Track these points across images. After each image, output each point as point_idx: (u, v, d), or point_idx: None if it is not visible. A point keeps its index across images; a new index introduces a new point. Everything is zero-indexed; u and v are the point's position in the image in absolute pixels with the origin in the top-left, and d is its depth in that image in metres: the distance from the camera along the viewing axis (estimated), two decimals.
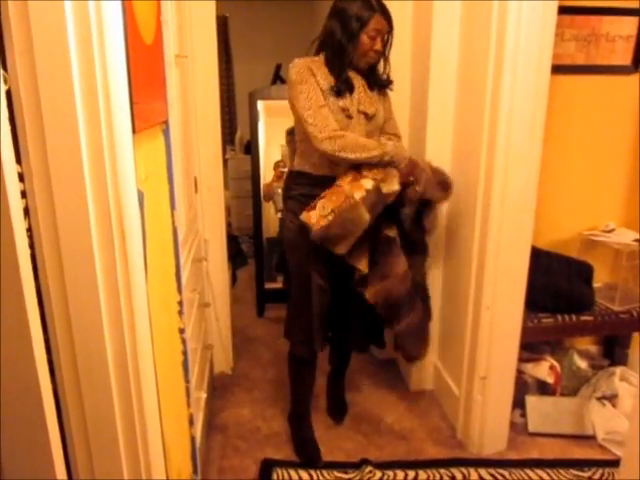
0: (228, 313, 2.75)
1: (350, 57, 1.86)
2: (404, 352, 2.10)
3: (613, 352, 2.58)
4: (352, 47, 1.84)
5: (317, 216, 1.81)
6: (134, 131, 0.99)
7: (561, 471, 2.06)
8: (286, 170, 3.65)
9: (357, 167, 1.87)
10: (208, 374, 2.39)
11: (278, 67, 4.54)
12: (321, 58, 1.91)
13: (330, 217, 1.79)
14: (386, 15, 1.83)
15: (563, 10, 1.89)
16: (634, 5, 2.25)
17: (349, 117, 1.89)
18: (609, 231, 2.44)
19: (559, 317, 2.26)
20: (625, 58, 2.31)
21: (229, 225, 3.90)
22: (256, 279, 3.48)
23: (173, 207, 1.50)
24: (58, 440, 0.91)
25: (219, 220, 2.59)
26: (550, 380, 2.36)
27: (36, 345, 0.83)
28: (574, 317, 2.28)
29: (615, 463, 2.03)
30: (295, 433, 2.25)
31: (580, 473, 2.05)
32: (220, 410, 2.44)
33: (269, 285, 3.57)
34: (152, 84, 1.24)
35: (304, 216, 1.83)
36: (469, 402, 2.16)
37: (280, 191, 3.65)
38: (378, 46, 1.85)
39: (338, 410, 2.41)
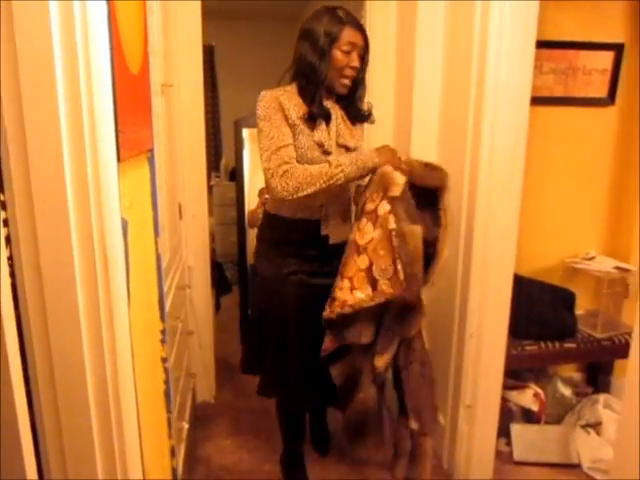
0: (212, 341, 2.72)
1: (324, 79, 1.68)
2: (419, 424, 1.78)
3: (596, 379, 2.59)
4: (325, 66, 1.66)
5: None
6: (119, 160, 0.99)
7: None
8: None
9: (358, 217, 1.66)
10: (190, 403, 2.34)
11: None
12: (294, 87, 1.75)
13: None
14: (358, 27, 1.68)
15: (541, 44, 1.95)
16: (609, 40, 2.32)
17: (326, 153, 1.71)
18: (589, 259, 2.47)
19: (542, 344, 2.28)
20: (601, 90, 2.38)
21: (213, 252, 3.88)
22: (240, 306, 3.45)
23: (157, 234, 1.50)
24: (34, 473, 0.88)
25: (203, 247, 2.58)
26: (535, 408, 2.36)
27: (14, 375, 0.81)
28: (557, 344, 2.29)
29: None
30: (288, 475, 2.14)
31: None
32: (203, 441, 2.39)
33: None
34: (138, 113, 1.25)
35: (325, 314, 1.61)
36: (454, 431, 2.14)
37: None
38: (354, 62, 1.68)
39: (322, 443, 2.36)
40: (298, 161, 1.67)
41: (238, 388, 2.86)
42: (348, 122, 1.80)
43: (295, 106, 1.69)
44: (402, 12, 2.32)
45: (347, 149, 1.76)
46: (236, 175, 3.41)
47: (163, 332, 1.55)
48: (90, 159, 0.87)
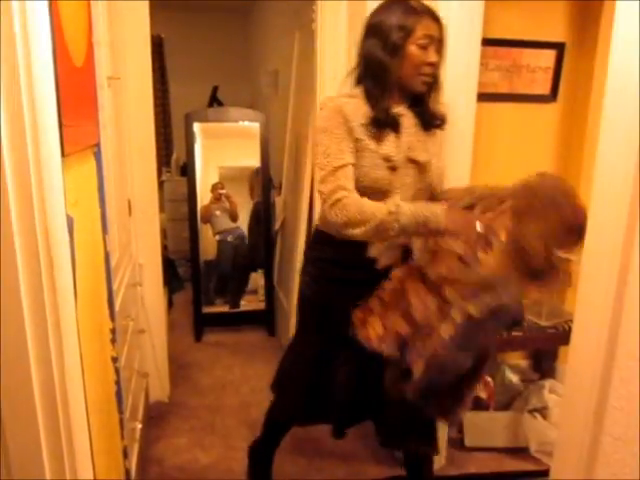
0: (164, 339, 2.67)
1: (395, 80, 1.47)
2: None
3: (542, 366, 2.69)
4: (398, 65, 1.45)
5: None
6: (63, 154, 0.96)
7: None
8: (224, 192, 3.63)
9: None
10: (143, 403, 2.30)
11: (215, 89, 4.54)
12: (360, 92, 1.52)
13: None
14: (435, 18, 1.45)
15: (487, 42, 2.00)
16: (552, 39, 2.41)
17: (393, 169, 1.49)
18: None
19: None
20: (545, 87, 2.47)
21: (165, 248, 3.82)
22: (194, 303, 3.41)
23: (105, 231, 1.46)
24: None
25: (154, 243, 2.53)
26: (484, 395, 2.43)
27: None
28: (505, 333, 2.36)
29: (547, 473, 2.10)
30: (254, 469, 2.05)
31: None
32: (156, 440, 2.35)
33: (207, 309, 3.52)
34: (83, 106, 1.22)
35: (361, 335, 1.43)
36: None
37: (218, 213, 3.65)
38: (432, 57, 1.44)
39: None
40: (360, 181, 1.47)
41: (192, 386, 2.83)
42: (421, 131, 1.55)
43: (362, 117, 1.47)
44: (352, 12, 2.33)
45: (417, 164, 1.52)
46: (187, 170, 3.36)
47: (113, 331, 1.52)
48: (32, 154, 0.84)
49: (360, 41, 1.54)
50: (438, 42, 1.46)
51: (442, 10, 1.77)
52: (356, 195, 1.44)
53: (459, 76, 1.85)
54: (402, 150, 1.50)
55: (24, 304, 0.86)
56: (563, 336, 2.43)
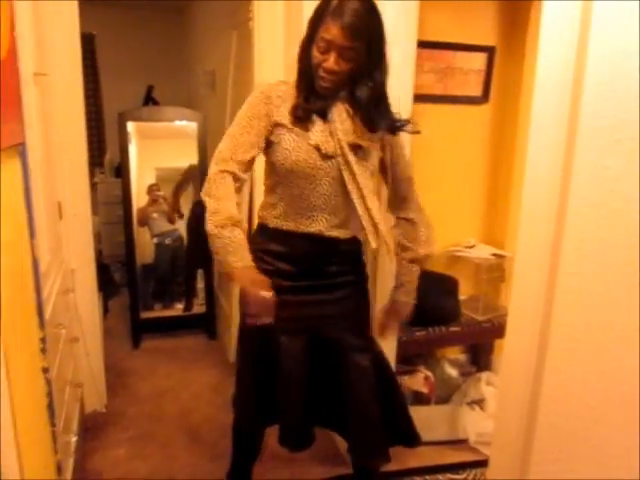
0: (100, 347, 2.57)
1: (308, 76, 1.44)
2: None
3: (479, 359, 2.78)
4: (306, 62, 1.43)
5: None
6: None
7: (439, 476, 2.17)
8: (161, 194, 3.54)
9: None
10: (78, 414, 2.20)
11: (150, 88, 4.41)
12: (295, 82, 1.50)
13: None
14: (339, 21, 1.32)
15: (422, 44, 2.05)
16: (482, 43, 2.50)
17: (327, 157, 1.44)
18: (470, 247, 2.65)
19: (430, 330, 2.40)
20: (477, 89, 2.55)
21: (99, 253, 3.67)
22: (130, 309, 3.30)
23: (32, 235, 1.39)
24: None
25: (87, 248, 2.43)
26: (425, 390, 2.48)
27: None
28: (443, 329, 2.43)
29: (486, 463, 2.17)
30: None
31: (455, 476, 2.18)
32: (93, 452, 2.25)
33: (145, 314, 3.41)
34: (4, 103, 1.15)
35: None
36: None
37: (155, 215, 3.54)
38: (329, 63, 1.37)
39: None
40: (281, 162, 1.45)
41: (130, 395, 2.73)
42: (357, 119, 1.46)
43: (289, 102, 1.47)
44: (288, 10, 2.33)
45: (360, 148, 1.46)
46: (122, 171, 3.25)
47: (43, 340, 1.44)
48: None
49: None
50: (341, 48, 1.35)
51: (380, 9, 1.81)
52: (229, 180, 1.44)
53: (395, 77, 1.88)
54: (337, 135, 1.44)
55: None
56: (499, 330, 2.52)
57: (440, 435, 2.38)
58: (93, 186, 3.19)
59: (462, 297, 2.62)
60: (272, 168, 1.52)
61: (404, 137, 1.62)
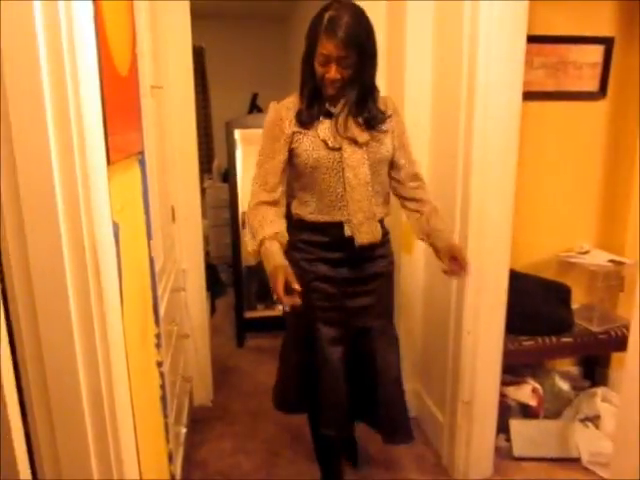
0: (207, 344, 2.70)
1: (311, 88, 1.62)
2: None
3: (594, 373, 2.59)
4: (309, 77, 1.61)
5: None
6: (109, 162, 0.98)
7: None
8: None
9: None
10: (187, 407, 2.33)
11: (254, 96, 4.59)
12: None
13: None
14: (332, 36, 1.50)
15: (531, 39, 1.95)
16: (599, 34, 2.33)
17: (333, 149, 1.61)
18: (584, 253, 2.48)
19: (539, 339, 2.27)
20: (592, 84, 2.38)
21: (207, 254, 3.87)
22: (235, 308, 3.44)
23: (150, 237, 1.48)
24: None
25: (197, 249, 2.56)
26: (533, 403, 2.36)
27: (7, 385, 0.80)
28: (554, 339, 2.29)
29: None
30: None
31: None
32: (200, 445, 2.37)
33: (249, 314, 3.53)
34: (127, 115, 1.24)
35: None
36: (453, 428, 2.14)
37: None
38: (330, 74, 1.54)
39: (351, 452, 2.23)
40: (304, 163, 1.63)
41: (235, 391, 2.85)
42: (360, 122, 1.63)
43: (294, 111, 1.65)
44: (391, 12, 2.31)
45: (356, 143, 1.61)
46: (229, 176, 3.40)
47: (158, 336, 1.54)
48: (79, 162, 0.85)
49: None
50: (339, 59, 1.52)
51: (484, 8, 1.75)
52: (263, 208, 1.65)
53: (503, 75, 1.81)
54: (340, 131, 1.61)
55: (72, 310, 0.88)
56: (616, 342, 2.34)
57: (548, 451, 2.25)
58: (202, 191, 3.35)
59: (575, 306, 2.46)
60: (297, 170, 1.68)
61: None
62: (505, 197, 1.91)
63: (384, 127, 1.68)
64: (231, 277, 3.71)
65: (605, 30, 2.33)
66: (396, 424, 1.77)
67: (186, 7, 2.30)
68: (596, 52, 2.35)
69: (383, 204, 1.74)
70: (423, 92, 2.22)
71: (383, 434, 1.79)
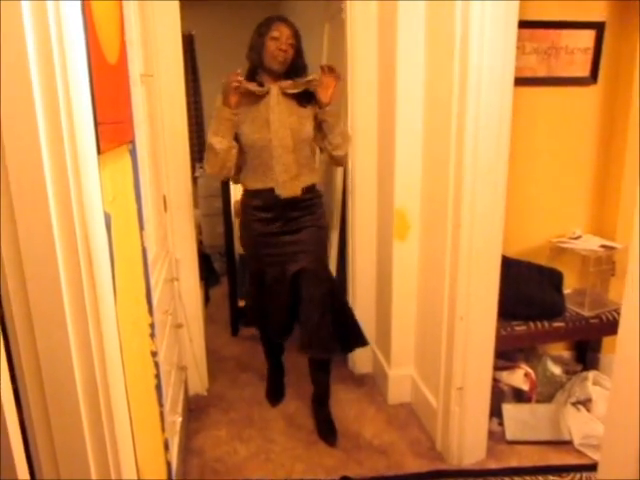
0: (202, 333, 2.70)
1: (261, 59, 2.16)
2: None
3: (585, 357, 2.62)
4: (261, 50, 2.15)
5: None
6: (99, 152, 0.97)
7: (540, 478, 2.07)
8: None
9: None
10: (183, 396, 2.34)
11: None
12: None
13: None
14: (285, 23, 2.15)
15: (523, 24, 1.94)
16: (590, 19, 2.32)
17: (267, 125, 2.13)
18: (576, 238, 2.49)
19: (532, 324, 2.29)
20: (584, 70, 2.38)
21: (200, 243, 3.86)
22: (229, 297, 3.44)
23: (142, 227, 1.48)
24: (26, 472, 0.87)
25: (190, 239, 2.56)
26: (525, 387, 2.38)
27: (1, 374, 0.80)
28: (546, 324, 2.31)
29: (592, 467, 2.05)
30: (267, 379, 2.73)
31: (558, 479, 2.07)
32: (196, 433, 2.38)
33: (243, 303, 3.53)
34: (117, 104, 1.23)
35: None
36: (447, 413, 2.16)
37: None
38: (282, 46, 2.12)
39: (328, 432, 2.34)
40: (248, 144, 2.20)
41: (230, 379, 2.86)
42: (292, 102, 2.18)
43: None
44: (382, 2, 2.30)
45: (290, 110, 2.17)
46: None
47: (152, 326, 1.54)
48: (69, 152, 0.85)
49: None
50: (288, 37, 2.14)
51: None
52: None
53: (495, 61, 1.80)
54: (273, 110, 2.15)
55: (65, 300, 0.88)
56: (607, 326, 2.37)
57: (541, 435, 2.28)
58: (194, 180, 3.34)
59: (567, 291, 2.48)
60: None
61: None
62: (497, 183, 1.92)
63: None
64: (224, 266, 3.70)
65: (596, 15, 2.33)
66: (310, 339, 2.23)
67: None
68: (588, 37, 2.35)
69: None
70: (415, 78, 2.21)
71: (299, 346, 2.27)
